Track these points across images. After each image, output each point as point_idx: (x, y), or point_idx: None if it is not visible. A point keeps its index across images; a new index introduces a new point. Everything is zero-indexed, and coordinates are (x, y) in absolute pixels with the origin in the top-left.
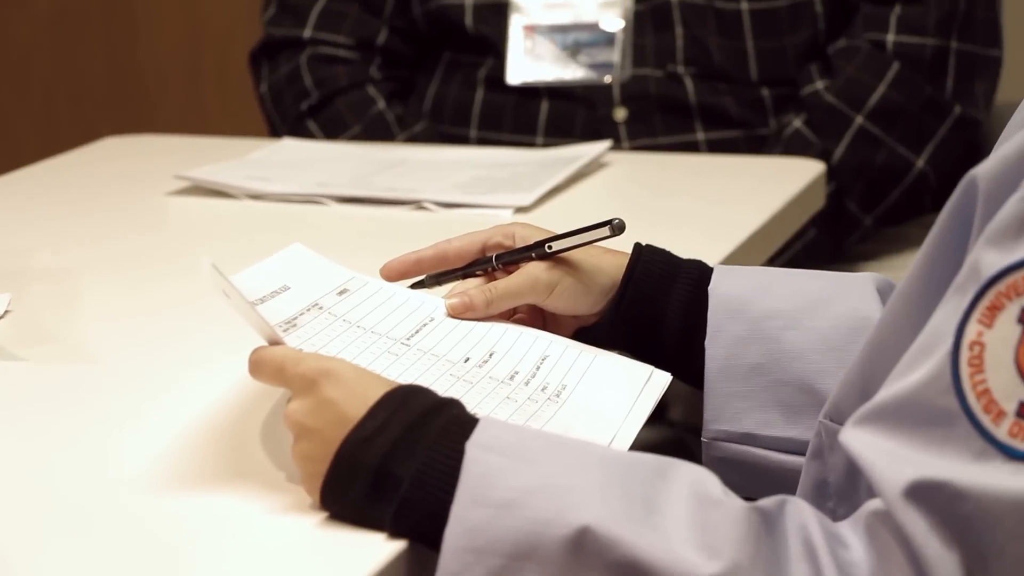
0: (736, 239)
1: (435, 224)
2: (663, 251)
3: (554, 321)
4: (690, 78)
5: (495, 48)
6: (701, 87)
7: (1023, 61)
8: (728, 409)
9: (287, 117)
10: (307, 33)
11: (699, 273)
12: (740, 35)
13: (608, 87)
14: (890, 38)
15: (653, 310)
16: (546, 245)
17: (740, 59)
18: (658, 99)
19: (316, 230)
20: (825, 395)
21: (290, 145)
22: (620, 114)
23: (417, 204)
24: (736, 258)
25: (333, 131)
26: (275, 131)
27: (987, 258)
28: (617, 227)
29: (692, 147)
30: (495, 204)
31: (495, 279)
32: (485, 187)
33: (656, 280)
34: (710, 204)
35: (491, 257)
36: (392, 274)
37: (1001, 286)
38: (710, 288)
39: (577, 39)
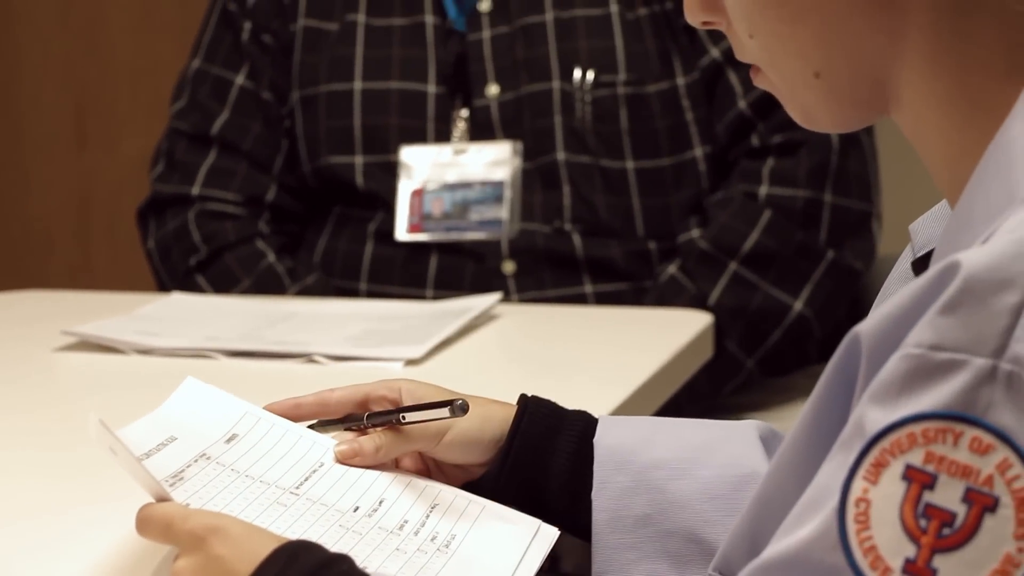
0: (627, 389)
1: (325, 377)
2: (548, 402)
3: (440, 473)
4: (577, 234)
5: (385, 204)
6: (588, 242)
7: (903, 214)
8: (616, 561)
9: (175, 273)
10: (195, 190)
11: (584, 425)
12: (626, 193)
13: (497, 241)
14: (763, 190)
15: (539, 463)
16: (400, 416)
17: (626, 216)
18: (546, 253)
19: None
20: (712, 544)
21: (179, 299)
22: (509, 267)
23: (307, 357)
24: (627, 407)
25: (223, 286)
26: (163, 287)
27: (871, 415)
28: (460, 407)
29: (580, 299)
30: (386, 357)
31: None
32: (376, 340)
33: (542, 432)
34: (600, 354)
35: (363, 416)
36: None
37: (885, 443)
38: (595, 440)
39: (466, 196)
